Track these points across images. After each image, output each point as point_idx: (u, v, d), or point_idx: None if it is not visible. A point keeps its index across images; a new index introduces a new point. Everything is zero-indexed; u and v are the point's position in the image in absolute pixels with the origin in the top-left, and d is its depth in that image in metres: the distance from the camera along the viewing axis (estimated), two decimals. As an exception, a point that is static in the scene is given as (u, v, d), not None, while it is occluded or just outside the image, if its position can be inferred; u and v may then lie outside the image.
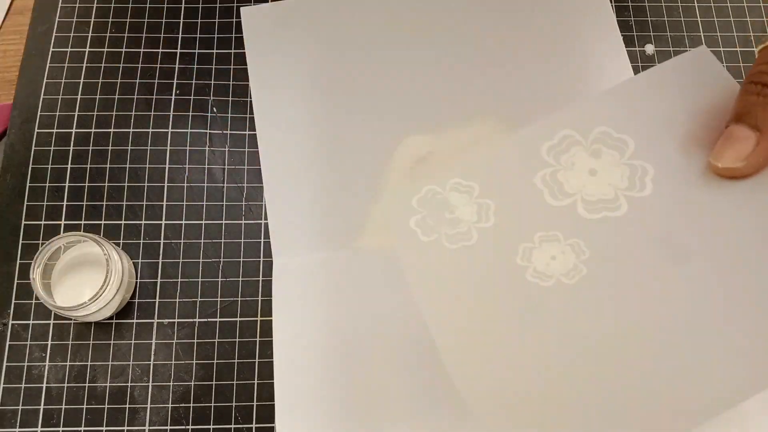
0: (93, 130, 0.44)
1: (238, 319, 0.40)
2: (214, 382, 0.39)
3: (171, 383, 0.39)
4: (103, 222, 0.42)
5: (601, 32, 0.47)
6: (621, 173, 0.27)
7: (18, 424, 0.38)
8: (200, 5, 0.48)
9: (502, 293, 0.26)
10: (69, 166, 0.43)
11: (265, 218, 0.42)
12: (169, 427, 0.38)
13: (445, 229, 0.28)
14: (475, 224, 0.27)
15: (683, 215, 0.26)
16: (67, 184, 0.42)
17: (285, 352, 0.37)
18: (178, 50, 0.46)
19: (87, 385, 0.39)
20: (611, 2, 0.48)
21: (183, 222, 0.42)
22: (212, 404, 0.39)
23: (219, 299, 0.41)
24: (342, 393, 0.37)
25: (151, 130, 0.44)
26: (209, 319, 0.40)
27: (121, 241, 0.42)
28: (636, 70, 0.46)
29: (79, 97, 0.44)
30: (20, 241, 0.41)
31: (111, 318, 0.40)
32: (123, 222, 0.42)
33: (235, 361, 0.40)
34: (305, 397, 0.37)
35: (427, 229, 0.28)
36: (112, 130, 0.44)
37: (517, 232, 0.27)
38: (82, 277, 0.39)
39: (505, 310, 0.26)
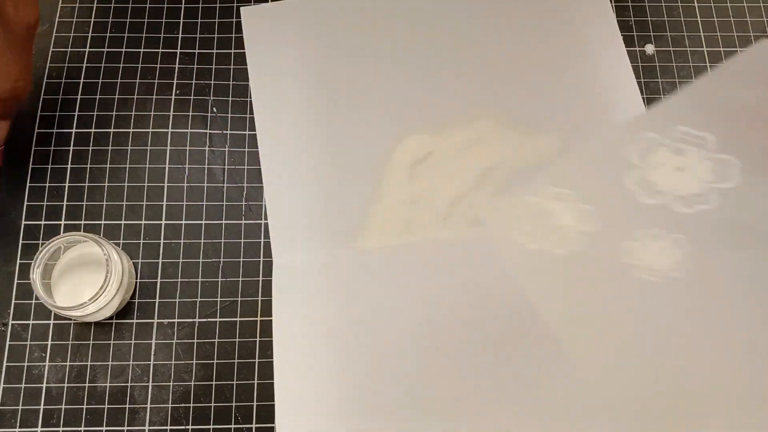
0: (93, 130, 0.44)
1: (238, 319, 0.40)
2: (214, 382, 0.39)
3: (171, 383, 0.39)
4: (103, 222, 0.42)
5: (601, 32, 0.47)
6: (706, 168, 0.28)
7: (18, 424, 0.38)
8: (200, 5, 0.48)
9: (613, 291, 0.27)
10: (69, 166, 0.43)
11: (265, 218, 0.42)
12: (169, 427, 0.38)
13: (549, 237, 0.29)
14: (577, 229, 0.28)
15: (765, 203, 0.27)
16: (67, 184, 0.42)
17: (285, 352, 0.38)
18: (178, 50, 0.46)
19: (87, 385, 0.39)
20: (611, 2, 0.48)
21: (183, 222, 0.42)
22: (212, 404, 0.39)
23: (219, 299, 0.41)
24: (343, 393, 0.37)
25: (151, 130, 0.44)
26: (209, 319, 0.40)
27: (121, 241, 0.42)
28: (636, 70, 0.46)
29: (79, 96, 0.44)
30: (20, 241, 0.41)
31: (111, 318, 0.40)
32: (123, 222, 0.42)
33: (235, 361, 0.40)
34: (305, 397, 0.37)
35: (531, 237, 0.29)
36: (112, 130, 0.44)
37: (619, 231, 0.28)
38: (82, 277, 0.39)
39: (619, 309, 0.27)
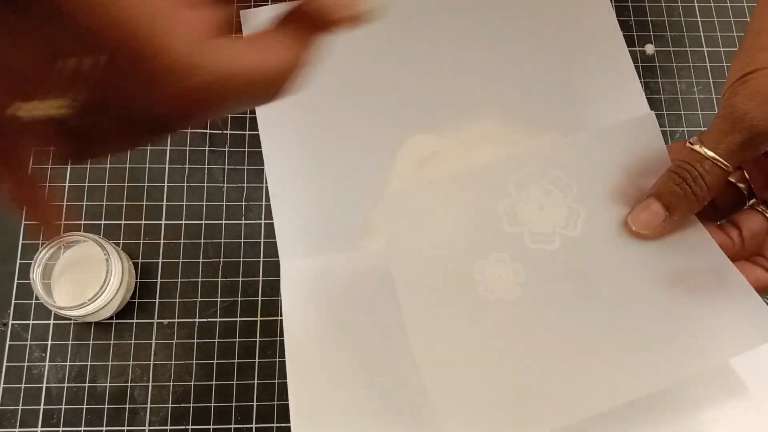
0: (93, 130, 0.44)
1: (238, 319, 0.40)
2: (214, 382, 0.39)
3: (171, 383, 0.39)
4: (103, 222, 0.42)
5: (602, 32, 0.47)
6: (561, 213, 0.32)
7: (18, 424, 0.38)
8: (200, 5, 0.48)
9: (459, 297, 0.31)
10: (69, 166, 0.43)
11: (265, 218, 0.42)
12: (169, 427, 0.38)
13: (426, 236, 0.32)
14: (449, 236, 0.32)
15: (598, 257, 0.32)
16: (67, 184, 0.42)
17: (297, 352, 0.38)
18: (178, 50, 0.46)
19: (87, 385, 0.39)
20: (611, 2, 0.48)
21: (183, 222, 0.42)
22: (212, 404, 0.39)
23: (219, 299, 0.41)
24: (356, 392, 0.37)
25: (151, 130, 0.44)
26: (209, 319, 0.40)
27: (121, 241, 0.42)
28: (636, 70, 0.46)
29: (79, 97, 0.44)
30: (20, 241, 0.41)
31: (111, 318, 0.40)
32: (123, 222, 0.42)
33: (235, 361, 0.40)
34: (319, 396, 0.37)
35: (412, 233, 0.32)
36: (112, 130, 0.44)
37: (478, 249, 0.32)
38: (82, 277, 0.39)
39: (460, 312, 0.31)
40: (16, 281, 0.40)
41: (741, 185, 0.33)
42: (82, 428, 0.38)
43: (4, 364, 0.39)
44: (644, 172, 0.32)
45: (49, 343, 0.39)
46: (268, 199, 0.43)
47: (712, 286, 0.31)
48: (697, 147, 0.30)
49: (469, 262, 0.32)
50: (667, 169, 0.32)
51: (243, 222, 0.42)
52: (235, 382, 0.39)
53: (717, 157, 0.29)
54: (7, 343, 0.39)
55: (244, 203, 0.43)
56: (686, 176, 0.30)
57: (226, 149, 0.44)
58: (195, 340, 0.40)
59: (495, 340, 0.31)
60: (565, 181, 0.33)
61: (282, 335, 0.40)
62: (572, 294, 0.31)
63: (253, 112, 0.45)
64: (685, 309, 0.31)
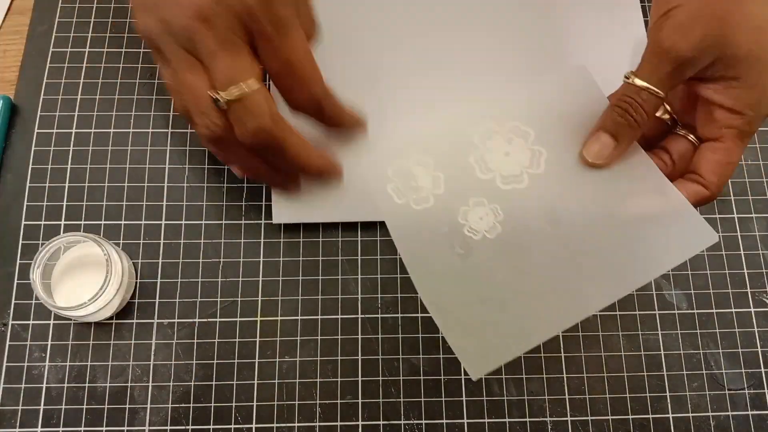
0: (93, 130, 0.44)
1: (238, 319, 0.40)
2: (214, 382, 0.39)
3: (171, 383, 0.39)
4: (103, 222, 0.42)
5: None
6: (525, 155, 0.38)
7: (18, 424, 0.38)
8: (200, 5, 0.48)
9: (449, 242, 0.36)
10: (69, 166, 0.43)
11: (265, 218, 0.42)
12: (169, 427, 0.38)
13: (411, 195, 0.37)
14: (431, 191, 0.37)
15: (562, 188, 0.37)
16: (67, 184, 0.42)
17: None
18: (178, 50, 0.46)
19: (87, 385, 0.39)
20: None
21: (183, 222, 0.42)
22: (212, 404, 0.39)
23: (219, 299, 0.41)
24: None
25: (151, 130, 0.44)
26: (209, 319, 0.40)
27: (121, 241, 0.42)
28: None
29: (79, 97, 0.45)
30: (20, 241, 0.41)
31: (111, 318, 0.40)
32: (123, 222, 0.42)
33: (235, 361, 0.40)
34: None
35: (399, 194, 0.37)
36: (112, 130, 0.44)
37: (459, 197, 0.37)
38: (82, 278, 0.39)
39: (451, 254, 0.36)
40: (16, 281, 0.40)
41: (665, 117, 0.38)
42: (82, 428, 0.38)
43: (4, 364, 0.39)
44: (588, 112, 0.38)
45: (49, 343, 0.39)
46: (268, 199, 0.43)
47: (656, 203, 0.36)
48: (633, 80, 0.34)
49: (452, 210, 0.37)
50: (609, 103, 0.37)
51: (243, 222, 0.42)
52: (235, 382, 0.39)
53: (651, 86, 0.34)
54: (7, 343, 0.39)
55: (244, 203, 0.43)
56: (627, 108, 0.35)
57: (226, 149, 0.44)
58: (195, 340, 0.40)
59: (485, 271, 0.36)
60: (522, 129, 0.38)
61: (282, 335, 0.40)
62: (544, 223, 0.36)
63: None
64: (636, 226, 0.36)
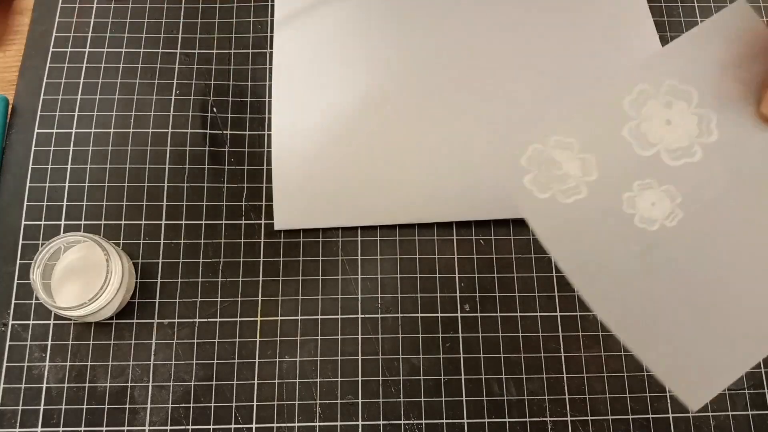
0: (93, 130, 0.44)
1: (238, 319, 0.40)
2: (214, 382, 0.39)
3: (171, 383, 0.39)
4: (103, 222, 0.42)
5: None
6: (691, 121, 0.30)
7: (18, 424, 0.38)
8: (200, 5, 0.48)
9: (618, 240, 0.29)
10: (69, 166, 0.43)
11: (265, 218, 0.42)
12: (169, 427, 0.38)
13: (557, 185, 0.30)
14: (582, 179, 0.30)
15: (747, 153, 0.29)
16: (67, 184, 0.42)
17: (281, 136, 0.42)
18: (178, 50, 0.46)
19: (87, 385, 0.39)
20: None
21: (183, 222, 0.42)
22: (212, 404, 0.39)
23: (219, 299, 0.41)
24: (337, 172, 0.41)
25: (151, 130, 0.44)
26: (209, 319, 0.40)
27: (121, 241, 0.42)
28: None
29: (79, 97, 0.45)
30: (20, 242, 0.41)
31: (111, 318, 0.40)
32: (123, 222, 0.42)
33: (235, 361, 0.40)
34: (301, 181, 0.41)
35: (541, 186, 0.30)
36: (112, 130, 0.44)
37: (618, 182, 0.30)
38: (82, 278, 0.39)
39: (624, 255, 0.29)
40: (16, 281, 0.40)
41: None
42: (82, 428, 0.38)
43: (4, 364, 0.39)
44: (756, 58, 0.30)
45: (49, 343, 0.39)
46: (268, 199, 0.43)
47: None
48: None
49: (614, 199, 0.30)
50: None
51: (243, 222, 0.42)
52: (235, 382, 0.39)
53: None
54: (7, 343, 0.39)
55: (244, 203, 0.43)
56: None
57: (226, 149, 0.44)
58: (195, 340, 0.40)
59: (676, 269, 0.29)
60: (682, 89, 0.30)
61: (282, 335, 0.40)
62: (740, 196, 0.29)
63: (253, 112, 0.45)
64: None
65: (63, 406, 0.38)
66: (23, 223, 0.42)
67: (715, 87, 0.30)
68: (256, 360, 0.40)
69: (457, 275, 0.42)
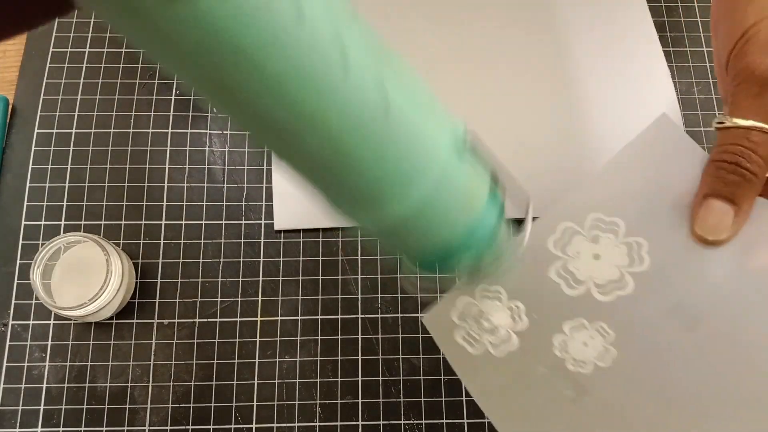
0: (93, 130, 0.44)
1: (238, 319, 0.40)
2: (214, 382, 0.39)
3: (171, 383, 0.39)
4: (103, 222, 0.42)
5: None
6: (620, 252, 0.29)
7: (18, 424, 0.38)
8: (200, 5, 0.48)
9: (552, 385, 0.28)
10: (69, 166, 0.43)
11: (266, 218, 0.42)
12: (169, 427, 0.38)
13: (488, 338, 0.30)
14: (512, 328, 0.29)
15: (680, 282, 0.28)
16: (67, 184, 0.42)
17: None
18: (178, 50, 0.46)
19: (87, 385, 0.39)
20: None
21: (183, 222, 0.42)
22: (212, 404, 0.39)
23: (219, 299, 0.41)
24: None
25: (151, 130, 0.44)
26: (209, 319, 0.40)
27: (121, 241, 0.42)
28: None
29: (79, 97, 0.45)
30: (20, 242, 0.41)
31: (111, 318, 0.40)
32: (123, 222, 0.42)
33: (235, 361, 0.40)
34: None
35: (472, 342, 0.30)
36: (112, 130, 0.44)
37: (549, 326, 0.29)
38: (82, 278, 0.39)
39: (560, 401, 0.28)
40: (16, 281, 0.40)
41: None
42: (82, 428, 0.38)
43: (4, 364, 0.39)
44: (684, 179, 0.29)
45: (49, 343, 0.39)
46: (268, 199, 0.43)
47: None
48: (733, 121, 0.27)
49: (545, 344, 0.29)
50: (709, 160, 0.28)
51: (243, 222, 0.42)
52: (235, 382, 0.39)
53: (760, 124, 0.27)
54: (7, 343, 0.39)
55: (244, 203, 0.43)
56: (737, 159, 0.27)
57: (226, 149, 0.44)
58: (195, 340, 0.40)
59: (612, 411, 0.27)
60: (608, 221, 0.30)
61: (281, 335, 0.40)
62: (676, 329, 0.27)
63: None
64: None
65: (63, 406, 0.38)
66: (23, 223, 0.42)
67: (642, 213, 0.29)
68: (256, 360, 0.40)
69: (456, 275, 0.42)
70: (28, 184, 0.42)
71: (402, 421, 0.39)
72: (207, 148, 0.44)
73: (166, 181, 0.43)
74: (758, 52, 0.27)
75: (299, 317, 0.41)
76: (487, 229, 0.23)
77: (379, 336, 0.40)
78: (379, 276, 0.42)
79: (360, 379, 0.40)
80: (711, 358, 0.27)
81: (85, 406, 0.38)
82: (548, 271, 0.29)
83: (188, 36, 0.15)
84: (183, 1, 0.14)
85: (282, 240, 0.42)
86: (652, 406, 0.27)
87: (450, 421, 0.39)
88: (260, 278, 0.41)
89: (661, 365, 0.27)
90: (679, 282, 0.28)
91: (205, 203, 0.43)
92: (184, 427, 0.38)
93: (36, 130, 0.44)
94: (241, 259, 0.42)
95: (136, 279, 0.41)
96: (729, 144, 0.27)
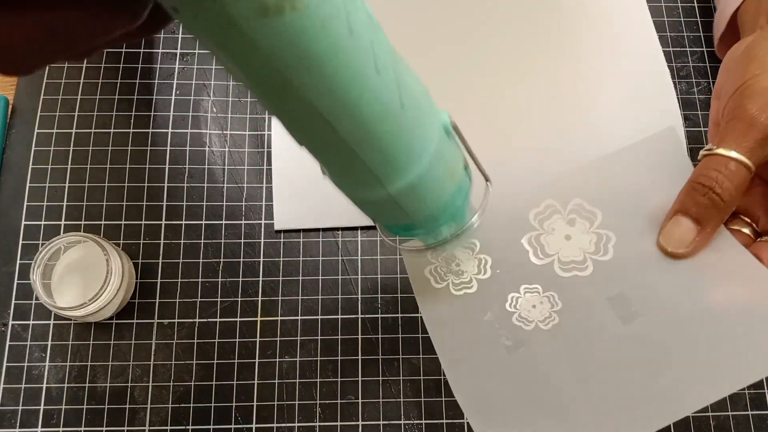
0: (93, 130, 0.44)
1: (238, 319, 0.40)
2: (214, 382, 0.39)
3: (171, 383, 0.39)
4: (103, 222, 0.42)
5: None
6: (589, 240, 0.33)
7: (18, 424, 0.38)
8: (200, 5, 0.48)
9: (494, 331, 0.31)
10: (69, 166, 0.43)
11: (266, 218, 0.42)
12: (169, 427, 0.38)
13: (453, 278, 0.33)
14: (475, 275, 0.33)
15: (633, 280, 0.31)
16: (67, 184, 0.42)
17: (282, 136, 0.41)
18: (178, 50, 0.46)
19: (87, 385, 0.39)
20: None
21: (183, 222, 0.42)
22: (212, 404, 0.39)
23: (219, 299, 0.41)
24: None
25: (151, 130, 0.44)
26: (209, 319, 0.40)
27: (121, 241, 0.42)
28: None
29: (79, 97, 0.45)
30: (20, 242, 0.41)
31: (111, 318, 0.40)
32: (123, 222, 0.42)
33: (235, 361, 0.40)
34: (301, 181, 0.41)
35: (438, 277, 0.33)
36: (112, 130, 0.44)
37: (507, 283, 0.32)
38: (82, 278, 0.39)
39: (497, 345, 0.31)
40: (16, 281, 0.40)
41: (745, 230, 0.33)
42: (82, 428, 0.38)
43: (4, 364, 0.39)
44: (669, 191, 0.32)
45: (49, 343, 0.39)
46: (268, 199, 0.43)
47: (752, 297, 0.30)
48: (721, 150, 0.30)
49: (499, 297, 0.32)
50: (688, 180, 0.31)
51: (243, 222, 0.42)
52: (235, 382, 0.39)
53: (740, 156, 0.29)
54: (7, 343, 0.39)
55: (244, 203, 0.43)
56: (712, 184, 0.30)
57: (227, 149, 0.44)
58: (195, 340, 0.40)
59: (538, 367, 0.30)
60: (588, 209, 0.33)
61: (281, 335, 0.40)
62: (613, 318, 0.31)
63: (253, 112, 0.45)
64: (730, 322, 0.29)
65: (63, 406, 0.38)
66: (23, 223, 0.42)
67: (621, 211, 0.32)
68: (256, 360, 0.40)
69: (457, 275, 0.42)
70: (28, 184, 0.42)
71: (402, 421, 0.39)
72: (207, 148, 0.44)
73: (166, 181, 0.43)
74: (751, 96, 0.30)
75: (299, 317, 0.41)
76: (463, 194, 0.27)
77: (379, 336, 0.40)
78: (379, 276, 0.42)
79: (360, 379, 0.40)
80: (633, 352, 0.30)
81: (85, 406, 0.38)
82: (522, 238, 0.33)
83: (272, 43, 0.18)
84: (274, 15, 0.18)
85: (282, 240, 0.42)
86: (574, 376, 0.30)
87: (450, 421, 0.39)
88: (260, 278, 0.41)
89: (591, 344, 0.30)
90: (632, 280, 0.31)
91: (205, 203, 0.43)
92: (184, 427, 0.38)
93: (36, 130, 0.44)
94: (241, 259, 0.42)
95: (136, 279, 0.41)
96: (708, 169, 0.30)
